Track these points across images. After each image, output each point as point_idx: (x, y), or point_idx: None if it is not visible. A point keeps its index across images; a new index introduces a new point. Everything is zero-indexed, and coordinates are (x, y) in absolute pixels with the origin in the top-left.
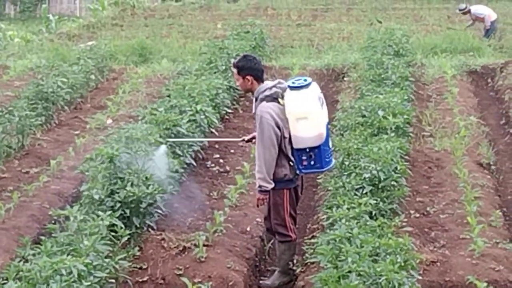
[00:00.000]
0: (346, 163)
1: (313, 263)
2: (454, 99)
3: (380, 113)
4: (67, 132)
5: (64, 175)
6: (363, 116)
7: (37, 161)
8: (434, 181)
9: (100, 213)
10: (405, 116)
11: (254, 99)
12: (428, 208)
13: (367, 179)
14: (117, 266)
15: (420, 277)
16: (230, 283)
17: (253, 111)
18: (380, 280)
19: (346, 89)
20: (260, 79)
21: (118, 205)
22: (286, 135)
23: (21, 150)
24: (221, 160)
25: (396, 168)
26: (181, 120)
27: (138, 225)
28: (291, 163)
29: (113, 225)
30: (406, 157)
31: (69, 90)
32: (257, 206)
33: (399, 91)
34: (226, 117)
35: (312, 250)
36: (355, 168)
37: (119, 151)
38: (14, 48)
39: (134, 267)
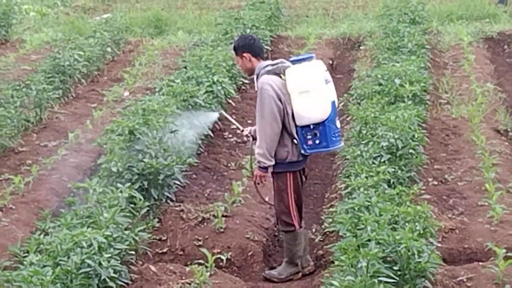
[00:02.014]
0: (364, 131)
1: (332, 232)
2: (471, 66)
3: (397, 81)
4: (84, 105)
5: (82, 148)
6: (380, 84)
7: (55, 134)
8: (451, 149)
9: (119, 185)
10: (422, 84)
11: (255, 77)
12: (446, 176)
13: (384, 148)
14: (136, 238)
15: (439, 245)
16: (250, 253)
17: (256, 89)
18: (400, 248)
19: (362, 58)
20: (259, 56)
21: (137, 177)
22: (289, 111)
23: (39, 124)
24: (238, 131)
25: (413, 136)
26: (198, 91)
27: (156, 197)
28: (295, 141)
29: (132, 197)
30: (424, 125)
31: (85, 63)
32: (255, 183)
33: (416, 59)
34: (243, 87)
35: (331, 219)
36: (373, 136)
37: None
38: (30, 22)
39: (153, 239)
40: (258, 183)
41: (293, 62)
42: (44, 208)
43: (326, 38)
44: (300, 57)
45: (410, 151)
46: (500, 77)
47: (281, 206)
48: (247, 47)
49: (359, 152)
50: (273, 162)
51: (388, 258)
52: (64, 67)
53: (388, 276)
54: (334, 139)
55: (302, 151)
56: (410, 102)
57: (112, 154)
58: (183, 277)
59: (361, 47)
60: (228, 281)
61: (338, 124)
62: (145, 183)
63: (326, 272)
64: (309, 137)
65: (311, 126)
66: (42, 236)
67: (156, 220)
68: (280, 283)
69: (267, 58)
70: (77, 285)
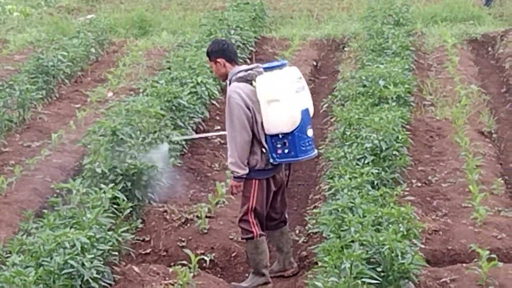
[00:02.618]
0: (348, 133)
1: (315, 233)
2: (455, 68)
3: (381, 82)
4: (68, 106)
5: (66, 148)
6: (364, 86)
7: (38, 135)
8: (435, 150)
9: (102, 186)
10: (406, 86)
11: (228, 83)
12: (429, 177)
13: (368, 149)
14: (120, 239)
15: (422, 246)
16: (233, 254)
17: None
18: (383, 249)
19: (347, 59)
20: (233, 61)
21: (120, 178)
22: (258, 119)
23: (22, 124)
24: (222, 132)
25: (397, 137)
26: (182, 92)
27: (140, 198)
28: (263, 149)
29: (116, 197)
30: (407, 126)
31: (69, 64)
32: (232, 194)
33: (400, 60)
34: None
35: (314, 220)
36: (357, 138)
37: (121, 124)
38: (13, 22)
39: (137, 240)
40: (235, 194)
41: (265, 69)
42: (27, 208)
43: (310, 40)
44: (273, 64)
45: (394, 152)
46: (484, 79)
47: (242, 211)
48: (221, 52)
49: (343, 154)
50: (246, 171)
51: (372, 260)
52: (48, 67)
53: (371, 277)
54: (303, 148)
55: (271, 160)
56: (394, 104)
57: (96, 154)
58: (167, 278)
59: (345, 49)
60: (212, 282)
61: (310, 132)
62: (129, 184)
63: (309, 273)
64: (278, 145)
65: (280, 136)
66: (24, 236)
67: (140, 221)
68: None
69: (250, 59)
70: (60, 286)
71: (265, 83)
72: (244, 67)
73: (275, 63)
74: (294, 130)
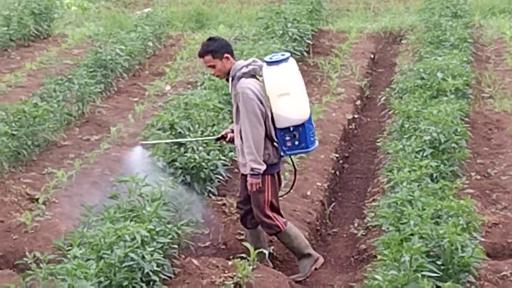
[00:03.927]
0: (406, 126)
1: (374, 226)
2: None
3: (439, 75)
4: (126, 99)
5: (124, 142)
6: (422, 78)
7: (97, 129)
8: (494, 143)
9: (162, 179)
10: (464, 78)
11: (230, 79)
12: (489, 170)
13: (427, 142)
14: (179, 232)
15: (482, 239)
16: None
17: (230, 91)
18: (443, 243)
19: (404, 52)
20: (234, 56)
21: (179, 171)
22: (268, 113)
23: (81, 118)
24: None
25: (456, 130)
26: None
27: (199, 191)
28: (275, 144)
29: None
30: (466, 119)
31: (127, 57)
32: (251, 192)
33: (458, 52)
34: None
35: (373, 214)
36: (415, 130)
37: (179, 117)
38: (71, 17)
39: (196, 233)
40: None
41: (269, 63)
42: (87, 201)
43: (367, 32)
44: (276, 58)
45: (453, 145)
46: None
47: (258, 208)
48: (226, 47)
49: (401, 146)
50: (265, 166)
51: (431, 253)
52: (106, 61)
53: (431, 271)
54: (312, 139)
55: (282, 153)
56: (452, 96)
57: (155, 148)
58: (226, 271)
59: (402, 41)
60: (271, 275)
61: (312, 122)
62: (188, 177)
63: (368, 266)
64: (287, 138)
65: (291, 128)
66: (85, 229)
67: (199, 214)
68: (309, 278)
69: (307, 52)
70: (120, 278)
71: (274, 77)
72: (243, 62)
73: (279, 57)
74: (305, 122)
